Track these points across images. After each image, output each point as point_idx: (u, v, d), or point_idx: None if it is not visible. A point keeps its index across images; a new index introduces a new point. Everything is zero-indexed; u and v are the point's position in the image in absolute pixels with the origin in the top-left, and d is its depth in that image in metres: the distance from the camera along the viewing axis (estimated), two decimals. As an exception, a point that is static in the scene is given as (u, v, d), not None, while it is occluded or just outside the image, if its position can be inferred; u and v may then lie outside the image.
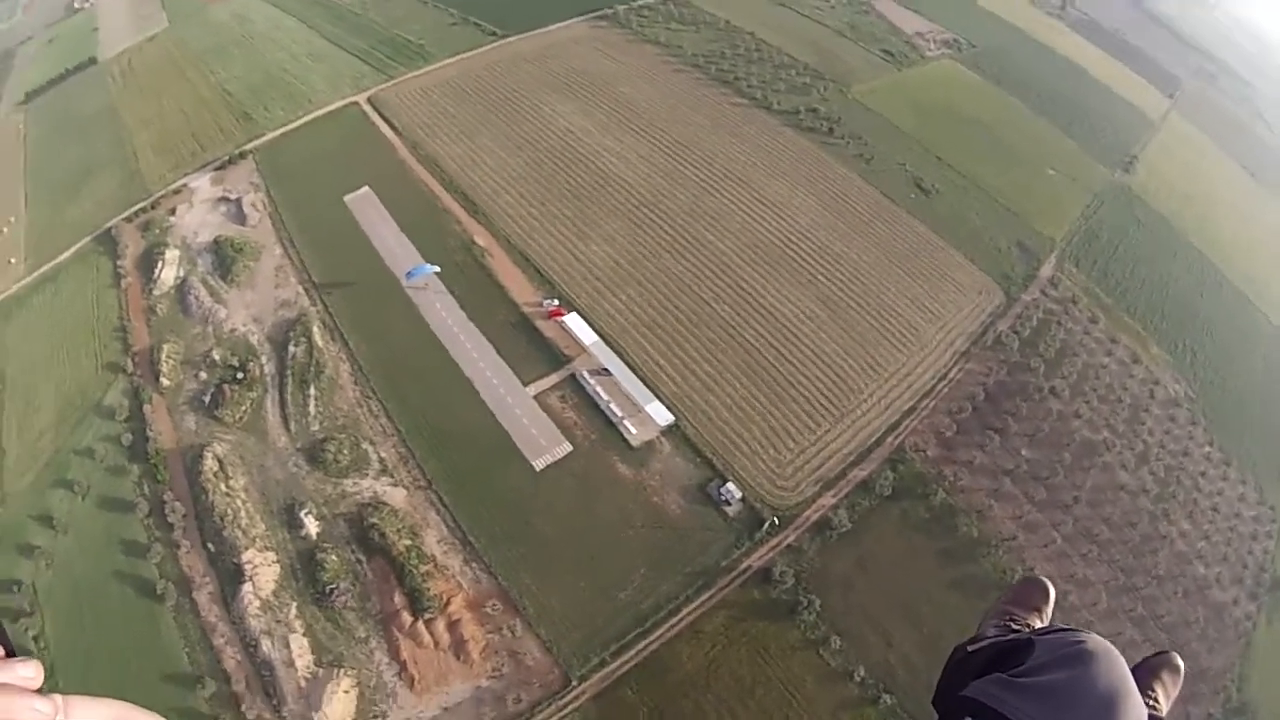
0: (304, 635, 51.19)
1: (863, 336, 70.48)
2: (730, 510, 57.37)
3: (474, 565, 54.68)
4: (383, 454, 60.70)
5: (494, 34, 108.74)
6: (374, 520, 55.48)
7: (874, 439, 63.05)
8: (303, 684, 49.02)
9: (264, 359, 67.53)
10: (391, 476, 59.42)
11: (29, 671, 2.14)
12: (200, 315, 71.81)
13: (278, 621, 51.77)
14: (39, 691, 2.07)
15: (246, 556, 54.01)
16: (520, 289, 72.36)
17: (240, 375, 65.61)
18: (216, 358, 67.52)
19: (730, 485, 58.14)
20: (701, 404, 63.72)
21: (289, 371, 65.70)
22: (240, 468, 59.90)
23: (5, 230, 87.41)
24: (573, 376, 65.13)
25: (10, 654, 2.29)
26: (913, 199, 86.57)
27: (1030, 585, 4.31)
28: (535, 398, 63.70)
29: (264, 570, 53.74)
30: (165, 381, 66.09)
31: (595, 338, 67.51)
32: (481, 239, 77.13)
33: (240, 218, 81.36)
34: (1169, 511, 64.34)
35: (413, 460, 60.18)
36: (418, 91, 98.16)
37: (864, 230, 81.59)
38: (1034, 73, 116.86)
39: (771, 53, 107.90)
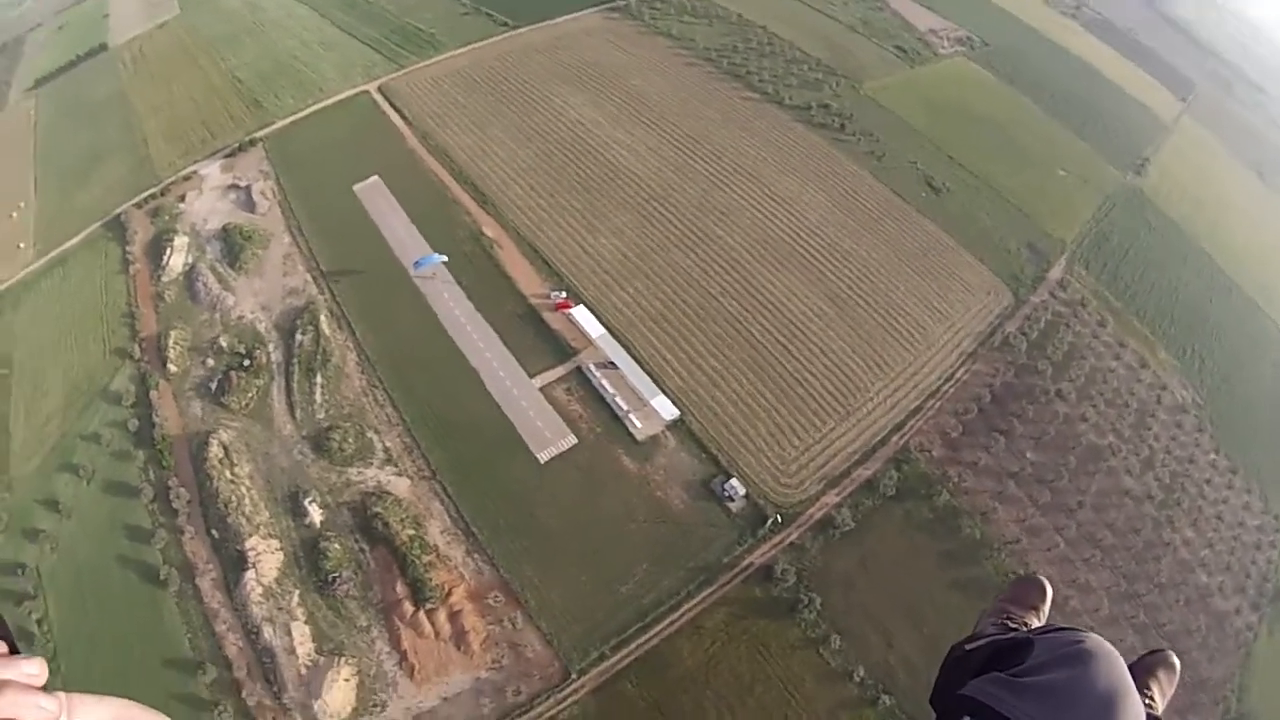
0: (305, 623, 51.56)
1: (870, 335, 70.27)
2: (733, 506, 57.37)
3: (476, 556, 54.90)
4: (387, 443, 60.90)
5: (505, 24, 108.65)
6: (377, 509, 55.73)
7: (879, 438, 62.91)
8: (303, 671, 49.38)
9: (271, 346, 67.83)
10: (396, 466, 59.63)
11: (34, 669, 2.12)
12: (208, 302, 72.10)
13: (280, 609, 52.12)
14: (44, 689, 2.05)
15: (250, 543, 54.38)
16: (528, 280, 72.38)
17: (247, 362, 65.90)
18: (224, 345, 67.82)
19: (734, 481, 58.12)
20: (707, 399, 63.68)
21: (295, 359, 65.97)
22: (245, 455, 60.21)
23: (15, 216, 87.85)
24: (579, 369, 65.14)
25: (13, 650, 2.28)
26: (923, 197, 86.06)
27: (1028, 584, 4.33)
28: (541, 390, 63.76)
29: (267, 557, 54.11)
30: (172, 368, 66.43)
31: (602, 330, 67.45)
32: (490, 230, 77.10)
33: (249, 205, 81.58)
34: (1173, 518, 63.98)
35: (417, 450, 60.37)
36: (428, 81, 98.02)
37: (873, 228, 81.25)
38: (1047, 72, 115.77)
39: (784, 47, 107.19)
